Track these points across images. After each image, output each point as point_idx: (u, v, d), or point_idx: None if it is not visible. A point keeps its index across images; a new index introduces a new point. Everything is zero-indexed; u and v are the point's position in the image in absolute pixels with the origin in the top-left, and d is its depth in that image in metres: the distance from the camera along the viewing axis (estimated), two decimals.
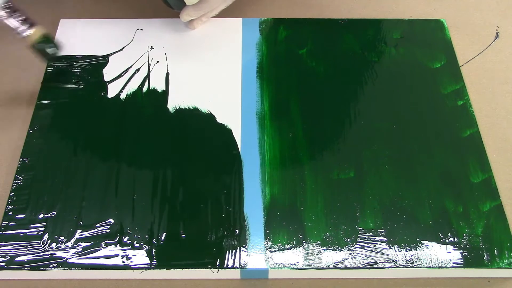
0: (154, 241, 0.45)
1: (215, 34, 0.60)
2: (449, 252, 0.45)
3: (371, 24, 0.61)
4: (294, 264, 0.44)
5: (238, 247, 0.45)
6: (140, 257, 0.44)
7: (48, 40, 0.53)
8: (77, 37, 0.59)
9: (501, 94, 0.57)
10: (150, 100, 0.54)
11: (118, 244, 0.45)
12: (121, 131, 0.52)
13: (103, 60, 0.57)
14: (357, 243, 0.45)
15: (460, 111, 0.54)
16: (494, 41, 0.62)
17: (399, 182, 0.49)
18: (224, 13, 0.62)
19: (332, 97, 0.55)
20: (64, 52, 0.57)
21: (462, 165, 0.50)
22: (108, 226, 0.46)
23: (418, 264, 0.44)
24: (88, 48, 0.58)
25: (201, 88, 0.55)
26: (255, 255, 0.45)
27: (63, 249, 0.44)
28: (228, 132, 0.52)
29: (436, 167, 0.50)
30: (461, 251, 0.45)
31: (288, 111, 0.54)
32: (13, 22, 0.50)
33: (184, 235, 0.45)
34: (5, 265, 0.44)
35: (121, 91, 0.55)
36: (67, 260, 0.44)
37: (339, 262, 0.44)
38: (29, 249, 0.44)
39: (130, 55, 0.58)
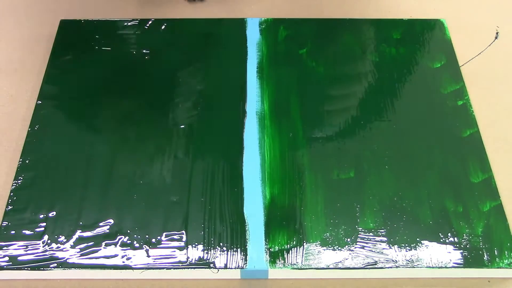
0: (153, 241, 0.45)
1: (215, 34, 0.60)
2: (449, 252, 0.45)
3: (371, 24, 0.61)
4: (294, 264, 0.44)
5: (238, 247, 0.45)
6: (140, 257, 0.44)
7: None
8: (77, 37, 0.59)
9: (501, 94, 0.57)
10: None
11: (118, 244, 0.45)
12: (121, 132, 0.52)
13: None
14: (357, 243, 0.45)
15: (460, 111, 0.54)
16: (494, 41, 0.62)
17: (399, 182, 0.49)
18: (224, 13, 0.62)
19: (332, 97, 0.55)
20: (64, 53, 0.57)
21: (462, 165, 0.50)
22: (108, 226, 0.46)
23: (418, 264, 0.44)
24: (88, 48, 0.58)
25: (201, 88, 0.55)
26: (255, 255, 0.45)
27: (63, 249, 0.44)
28: (229, 132, 0.52)
29: (436, 167, 0.50)
30: (461, 251, 0.45)
31: (288, 111, 0.53)
32: None
33: (184, 235, 0.45)
34: (5, 265, 0.44)
35: None
36: (67, 260, 0.44)
37: (339, 262, 0.44)
38: (29, 249, 0.44)
39: (130, 55, 0.58)
